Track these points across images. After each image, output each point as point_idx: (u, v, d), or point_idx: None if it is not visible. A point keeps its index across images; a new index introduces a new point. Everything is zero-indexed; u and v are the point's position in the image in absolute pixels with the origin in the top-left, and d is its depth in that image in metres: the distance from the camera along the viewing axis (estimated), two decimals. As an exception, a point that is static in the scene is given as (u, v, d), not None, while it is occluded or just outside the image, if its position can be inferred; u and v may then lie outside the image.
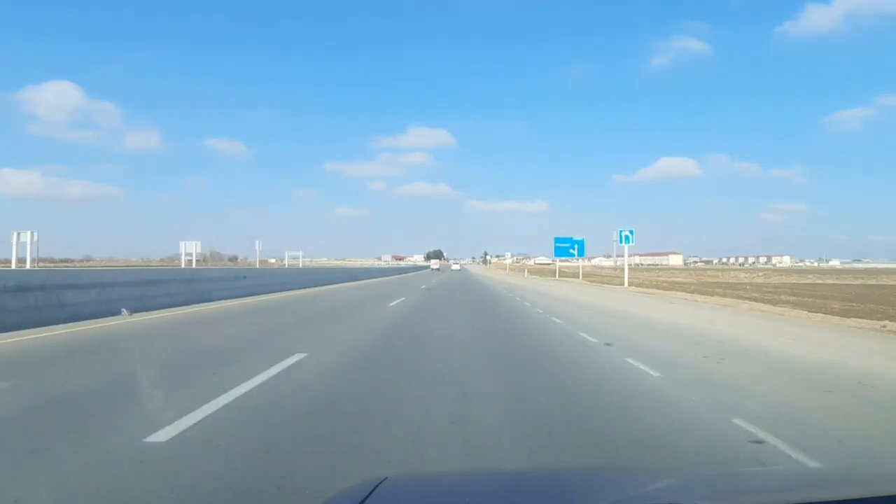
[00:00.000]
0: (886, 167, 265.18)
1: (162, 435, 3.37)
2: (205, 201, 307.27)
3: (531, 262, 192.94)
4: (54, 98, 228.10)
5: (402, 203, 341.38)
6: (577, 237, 48.19)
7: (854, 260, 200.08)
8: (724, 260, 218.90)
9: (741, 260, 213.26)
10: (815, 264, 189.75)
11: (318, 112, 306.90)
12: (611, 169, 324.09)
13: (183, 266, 26.26)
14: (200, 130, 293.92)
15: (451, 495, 1.42)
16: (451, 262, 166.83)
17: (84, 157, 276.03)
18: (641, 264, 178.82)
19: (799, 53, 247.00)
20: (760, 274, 60.95)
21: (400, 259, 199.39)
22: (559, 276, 50.29)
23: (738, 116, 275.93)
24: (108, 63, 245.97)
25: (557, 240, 48.45)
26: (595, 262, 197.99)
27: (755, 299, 19.31)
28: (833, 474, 2.45)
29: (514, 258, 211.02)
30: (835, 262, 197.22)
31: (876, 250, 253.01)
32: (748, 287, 33.69)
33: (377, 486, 1.26)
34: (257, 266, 37.93)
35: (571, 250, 48.06)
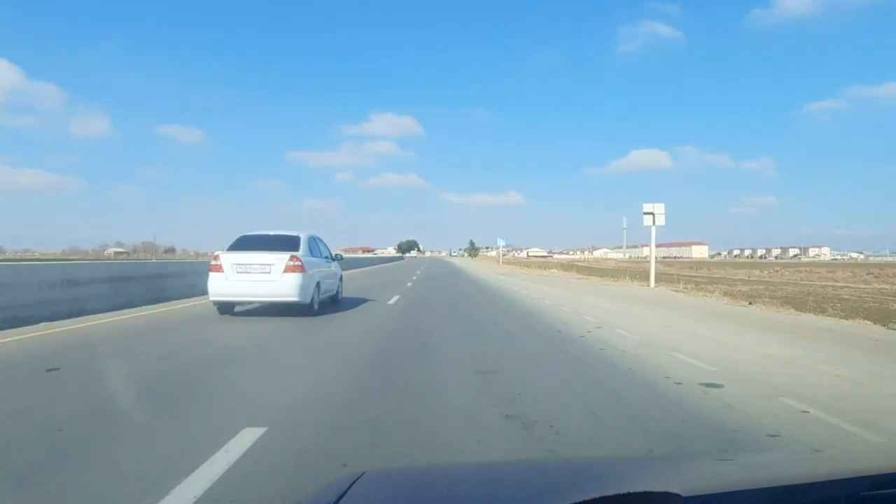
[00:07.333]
0: (856, 160, 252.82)
1: None
2: (160, 191, 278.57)
3: (523, 253, 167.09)
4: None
5: (373, 195, 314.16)
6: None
7: (854, 253, 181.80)
8: (738, 252, 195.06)
9: (760, 252, 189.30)
10: (841, 257, 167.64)
11: (276, 97, 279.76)
12: (582, 161, 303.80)
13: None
14: (153, 115, 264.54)
15: (429, 489, 1.29)
16: (411, 253, 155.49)
17: (28, 145, 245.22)
18: (656, 257, 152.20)
19: (771, 42, 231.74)
20: None
21: (368, 251, 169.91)
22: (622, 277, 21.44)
23: (709, 107, 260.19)
24: (45, 40, 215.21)
25: None
26: (598, 254, 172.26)
27: None
28: (817, 459, 2.41)
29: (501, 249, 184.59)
30: (852, 255, 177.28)
31: (843, 243, 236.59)
32: None
33: (355, 481, 1.14)
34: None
35: None
